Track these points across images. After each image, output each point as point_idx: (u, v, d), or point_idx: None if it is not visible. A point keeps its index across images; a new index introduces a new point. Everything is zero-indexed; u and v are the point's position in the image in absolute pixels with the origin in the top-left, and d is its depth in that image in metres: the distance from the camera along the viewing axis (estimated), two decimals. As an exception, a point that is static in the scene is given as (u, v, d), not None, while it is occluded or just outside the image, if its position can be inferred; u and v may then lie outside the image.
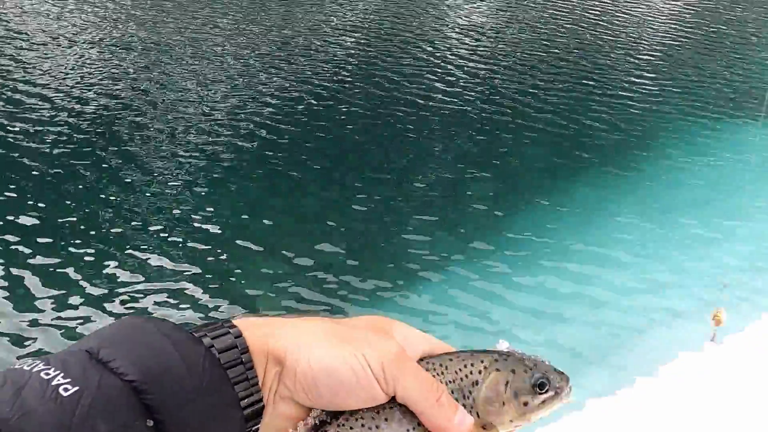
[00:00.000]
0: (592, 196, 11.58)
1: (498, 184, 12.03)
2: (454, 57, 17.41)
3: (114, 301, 8.65)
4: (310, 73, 15.80)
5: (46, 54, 15.79)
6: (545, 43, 18.98)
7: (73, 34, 16.99)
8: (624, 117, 14.67)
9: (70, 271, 9.05)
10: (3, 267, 9.04)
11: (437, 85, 15.67)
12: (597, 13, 21.87)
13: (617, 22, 21.44)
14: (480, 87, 15.96)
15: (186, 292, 8.95)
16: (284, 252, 9.75)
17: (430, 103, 14.79)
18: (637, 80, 16.74)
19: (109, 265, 9.23)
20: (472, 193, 11.72)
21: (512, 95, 15.53)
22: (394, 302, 9.05)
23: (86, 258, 9.35)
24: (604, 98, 15.55)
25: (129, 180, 11.24)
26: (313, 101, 14.50)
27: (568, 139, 13.66)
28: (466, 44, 18.48)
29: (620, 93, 15.92)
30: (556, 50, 18.42)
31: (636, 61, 18.07)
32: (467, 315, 8.88)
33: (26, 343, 7.95)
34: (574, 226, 10.71)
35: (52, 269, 9.09)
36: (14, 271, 8.99)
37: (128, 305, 8.58)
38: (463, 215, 11.11)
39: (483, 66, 16.99)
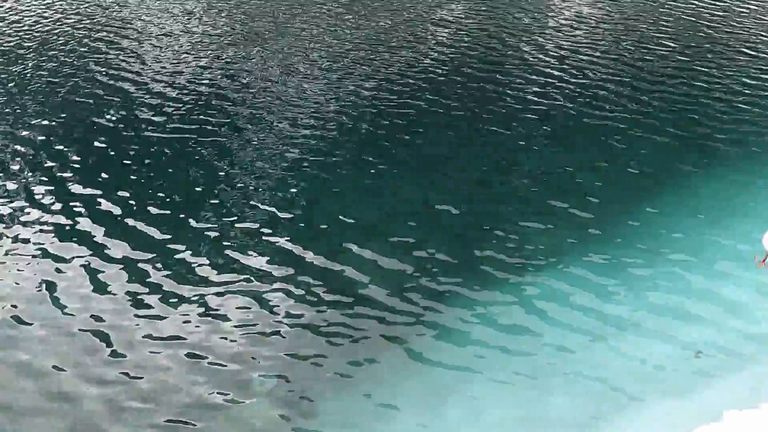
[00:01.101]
0: (706, 204, 11.04)
1: (603, 186, 11.65)
2: (555, 50, 17.09)
3: (223, 292, 9.33)
4: (406, 68, 16.04)
5: (152, 46, 16.95)
6: (654, 36, 18.17)
7: (180, 25, 18.12)
8: (745, 118, 13.88)
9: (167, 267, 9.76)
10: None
11: (536, 81, 15.50)
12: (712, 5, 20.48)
13: (733, 16, 19.91)
14: (581, 83, 15.47)
15: (284, 285, 9.47)
16: (382, 245, 10.13)
17: (529, 100, 14.62)
18: (754, 81, 15.61)
19: (210, 257, 9.97)
20: (575, 193, 11.40)
21: (618, 92, 15.01)
22: (501, 299, 9.18)
23: (184, 250, 10.05)
24: (720, 97, 14.74)
25: (228, 173, 11.99)
26: (409, 99, 14.67)
27: (680, 140, 13.04)
28: (567, 39, 17.95)
29: (739, 91, 15.03)
30: (668, 44, 17.61)
31: (756, 58, 16.95)
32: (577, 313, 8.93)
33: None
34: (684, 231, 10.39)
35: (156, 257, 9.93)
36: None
37: (232, 295, 9.28)
38: (563, 217, 10.86)
39: (585, 60, 16.52)
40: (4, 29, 18.43)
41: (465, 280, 9.54)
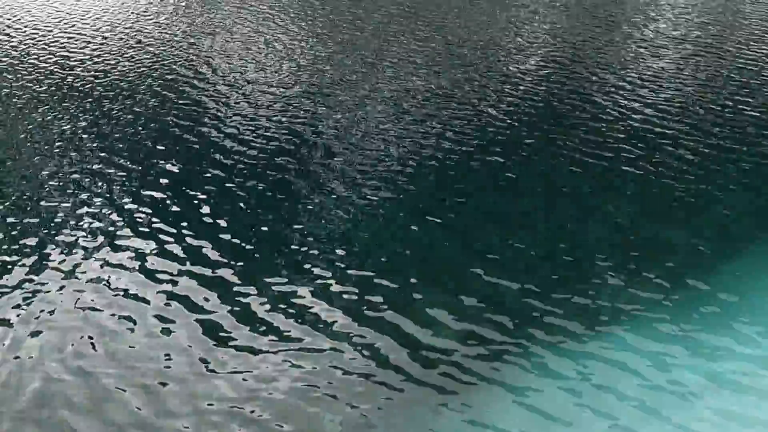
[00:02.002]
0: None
1: (704, 230, 11.19)
2: (648, 75, 16.73)
3: (294, 340, 9.02)
4: (490, 95, 16.01)
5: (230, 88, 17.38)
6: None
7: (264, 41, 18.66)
8: None
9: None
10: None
11: (628, 105, 15.15)
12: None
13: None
14: (681, 111, 15.00)
15: (353, 333, 9.13)
16: (450, 297, 9.77)
17: (620, 128, 14.25)
18: None
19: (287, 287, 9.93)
20: (668, 238, 10.97)
21: (726, 122, 14.43)
22: (569, 359, 8.65)
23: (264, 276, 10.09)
24: None
25: (301, 216, 11.85)
26: (491, 129, 14.72)
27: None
28: (663, 64, 17.50)
29: None
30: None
31: None
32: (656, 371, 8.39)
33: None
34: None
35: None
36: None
37: (308, 331, 9.10)
38: (654, 265, 10.36)
39: (688, 85, 16.01)
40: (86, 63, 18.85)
41: (533, 336, 9.10)
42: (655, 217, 11.75)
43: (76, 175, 13.39)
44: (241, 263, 10.58)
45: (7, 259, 10.80)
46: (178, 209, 12.12)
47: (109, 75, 18.97)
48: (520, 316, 9.45)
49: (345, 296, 9.82)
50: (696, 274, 10.29)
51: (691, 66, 18.66)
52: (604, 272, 10.31)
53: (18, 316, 9.55)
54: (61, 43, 21.90)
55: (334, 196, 12.41)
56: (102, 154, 14.20)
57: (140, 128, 15.50)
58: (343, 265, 10.47)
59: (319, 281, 10.12)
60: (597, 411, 7.92)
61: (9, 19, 25.00)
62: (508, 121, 15.41)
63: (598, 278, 10.20)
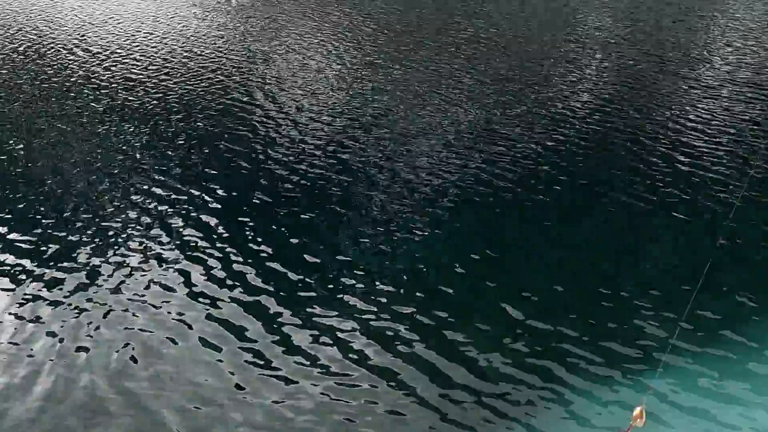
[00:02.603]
0: None
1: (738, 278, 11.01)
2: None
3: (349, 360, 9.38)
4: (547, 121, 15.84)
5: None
6: None
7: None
8: None
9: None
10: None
11: (676, 148, 14.93)
12: None
13: None
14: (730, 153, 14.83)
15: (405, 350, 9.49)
16: (492, 322, 10.00)
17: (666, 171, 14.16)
18: None
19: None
20: (723, 275, 10.90)
21: None
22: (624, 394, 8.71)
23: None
24: None
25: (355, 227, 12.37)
26: (534, 167, 14.80)
27: None
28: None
29: None
30: None
31: None
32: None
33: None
34: None
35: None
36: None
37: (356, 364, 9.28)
38: (705, 301, 10.22)
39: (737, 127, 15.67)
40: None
41: (597, 360, 9.29)
42: (699, 260, 11.58)
43: (129, 194, 13.87)
44: (284, 290, 10.80)
45: (58, 274, 11.27)
46: (225, 232, 12.47)
47: (167, 97, 19.63)
48: (558, 359, 9.46)
49: (384, 330, 9.95)
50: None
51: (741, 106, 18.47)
52: (641, 318, 10.29)
53: (65, 329, 9.97)
54: (123, 64, 22.76)
55: (377, 227, 12.61)
56: (155, 175, 14.71)
57: (193, 150, 16.00)
58: (383, 299, 10.61)
59: (360, 314, 10.27)
60: None
61: (78, 37, 26.07)
62: (553, 159, 15.47)
63: (636, 322, 10.18)
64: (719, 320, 10.16)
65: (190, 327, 10.02)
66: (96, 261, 11.64)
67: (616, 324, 10.08)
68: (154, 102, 19.29)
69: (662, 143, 16.20)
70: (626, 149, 15.89)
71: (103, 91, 20.25)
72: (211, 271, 11.31)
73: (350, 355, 9.45)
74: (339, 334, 9.84)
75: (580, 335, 9.87)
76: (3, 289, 10.93)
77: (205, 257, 11.70)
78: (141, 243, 12.14)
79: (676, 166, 14.98)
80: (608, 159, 15.46)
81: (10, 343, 9.76)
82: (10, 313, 10.37)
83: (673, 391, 8.84)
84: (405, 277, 11.16)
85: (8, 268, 11.50)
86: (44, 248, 12.07)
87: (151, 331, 9.94)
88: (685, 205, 13.47)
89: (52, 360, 9.42)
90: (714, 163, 15.12)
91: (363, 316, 10.20)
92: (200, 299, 10.62)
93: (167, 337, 9.82)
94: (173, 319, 10.19)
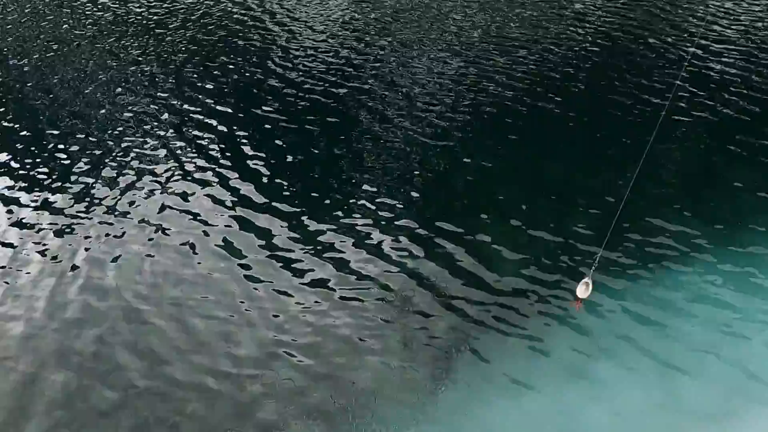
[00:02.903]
0: None
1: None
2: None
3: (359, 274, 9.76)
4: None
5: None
6: None
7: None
8: None
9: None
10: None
11: None
12: None
13: None
14: None
15: (417, 264, 9.86)
16: (512, 228, 10.34)
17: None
18: None
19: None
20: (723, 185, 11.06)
21: None
22: (636, 288, 9.12)
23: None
24: None
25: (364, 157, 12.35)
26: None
27: None
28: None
29: None
30: None
31: None
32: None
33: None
34: None
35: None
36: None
37: (370, 274, 9.70)
38: (708, 206, 10.59)
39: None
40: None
41: (600, 267, 9.47)
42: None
43: (133, 114, 14.11)
44: (288, 208, 11.12)
45: (59, 197, 11.70)
46: (227, 151, 12.74)
47: (170, 9, 19.47)
48: (584, 248, 9.86)
49: (387, 245, 10.31)
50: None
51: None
52: (667, 206, 10.59)
53: (67, 250, 10.43)
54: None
55: (379, 142, 12.79)
56: (157, 93, 14.90)
57: (194, 69, 16.02)
58: (386, 214, 10.92)
59: (363, 229, 10.60)
60: (666, 331, 8.54)
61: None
62: (562, 67, 15.27)
63: (665, 209, 10.50)
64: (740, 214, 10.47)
65: (193, 246, 10.43)
66: (97, 182, 12.04)
67: (642, 217, 10.42)
68: (153, 16, 19.16)
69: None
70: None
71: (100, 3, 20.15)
72: (214, 190, 11.65)
73: (354, 270, 9.85)
74: (342, 249, 10.23)
75: (607, 229, 9.71)
76: (5, 211, 11.43)
77: (207, 177, 12.04)
78: (144, 163, 12.47)
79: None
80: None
81: (12, 264, 10.27)
82: (12, 235, 10.89)
83: (701, 279, 9.36)
84: (407, 190, 11.46)
85: (11, 190, 11.98)
86: (45, 170, 12.51)
87: (154, 250, 10.37)
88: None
89: (54, 280, 9.93)
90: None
91: (366, 231, 10.56)
92: (203, 218, 10.99)
93: (170, 256, 10.26)
94: (177, 238, 10.61)
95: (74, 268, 10.08)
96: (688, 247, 9.90)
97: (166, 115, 14.06)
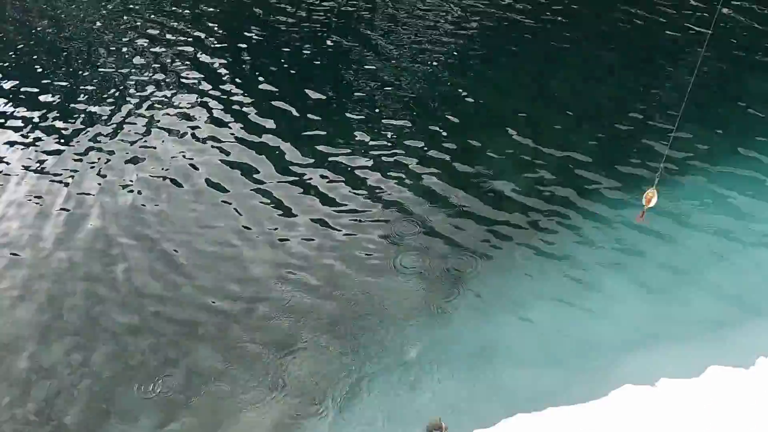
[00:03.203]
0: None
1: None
2: None
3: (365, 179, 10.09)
4: None
5: None
6: None
7: None
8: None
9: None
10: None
11: None
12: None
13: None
14: None
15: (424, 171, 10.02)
16: (519, 139, 10.45)
17: None
18: None
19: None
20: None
21: None
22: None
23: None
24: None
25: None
26: None
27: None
28: None
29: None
30: None
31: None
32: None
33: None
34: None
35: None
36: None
37: (378, 181, 9.98)
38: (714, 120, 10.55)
39: None
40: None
41: (606, 180, 9.76)
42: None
43: (130, 39, 13.90)
44: (289, 129, 11.12)
45: (61, 123, 11.76)
46: (228, 73, 12.66)
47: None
48: (592, 161, 9.97)
49: (394, 163, 10.38)
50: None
51: None
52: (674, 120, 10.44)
53: (70, 174, 10.48)
54: None
55: (380, 60, 12.75)
56: (153, 16, 14.67)
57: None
58: (391, 133, 10.95)
59: (367, 149, 10.67)
60: (670, 245, 8.64)
61: None
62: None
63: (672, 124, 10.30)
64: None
65: (196, 168, 10.49)
66: (99, 108, 12.04)
67: (650, 130, 10.52)
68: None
69: None
70: None
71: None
72: (215, 113, 11.65)
73: (360, 191, 9.95)
74: (347, 171, 10.30)
75: (614, 142, 10.41)
76: (10, 139, 11.50)
77: (209, 99, 12.01)
78: (143, 88, 12.46)
79: None
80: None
81: (18, 189, 10.37)
82: (17, 160, 10.99)
83: (710, 192, 9.46)
84: (410, 108, 11.49)
85: (15, 117, 12.03)
86: (49, 97, 12.51)
87: (157, 174, 10.45)
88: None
89: (60, 205, 10.03)
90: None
91: (371, 152, 10.62)
92: (206, 141, 11.02)
93: (174, 179, 10.31)
94: (180, 161, 10.66)
95: (84, 194, 10.16)
96: (698, 159, 9.99)
97: (152, 45, 13.91)
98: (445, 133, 10.90)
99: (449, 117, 11.26)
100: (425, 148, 10.61)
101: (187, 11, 15.39)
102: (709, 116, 10.72)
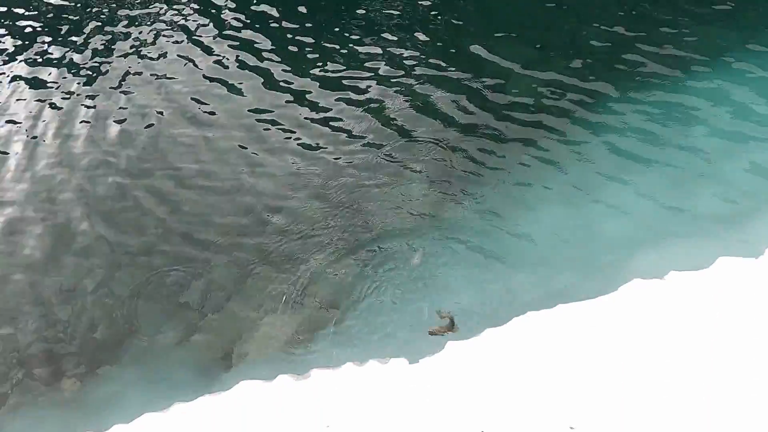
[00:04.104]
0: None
1: None
2: None
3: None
4: None
5: None
6: None
7: None
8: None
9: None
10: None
11: None
12: None
13: None
14: None
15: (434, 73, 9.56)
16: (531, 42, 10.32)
17: None
18: None
19: None
20: None
21: None
22: (653, 98, 9.10)
23: None
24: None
25: None
26: None
27: None
28: None
29: None
30: None
31: None
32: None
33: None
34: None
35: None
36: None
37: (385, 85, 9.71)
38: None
39: None
40: None
41: (617, 78, 9.64)
42: None
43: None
44: (293, 53, 11.00)
45: (67, 49, 11.54)
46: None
47: None
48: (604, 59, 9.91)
49: (397, 84, 10.26)
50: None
51: None
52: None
53: (74, 101, 10.47)
54: None
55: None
56: None
57: None
58: (396, 52, 10.81)
59: (371, 72, 10.51)
60: (683, 139, 8.61)
61: None
62: None
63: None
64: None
65: (200, 101, 10.39)
66: (104, 34, 11.89)
67: (657, 27, 10.36)
68: None
69: None
70: None
71: None
72: (219, 38, 11.49)
73: (367, 101, 9.90)
74: (351, 84, 10.21)
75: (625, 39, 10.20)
76: (15, 67, 11.44)
77: (215, 24, 11.83)
78: (149, 14, 12.28)
79: None
80: None
81: (24, 120, 10.36)
82: (21, 88, 10.93)
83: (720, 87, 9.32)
84: (414, 31, 11.24)
85: (20, 44, 11.93)
86: (54, 23, 12.35)
87: (162, 102, 10.36)
88: None
89: (71, 128, 10.06)
90: None
91: (376, 64, 10.51)
92: (209, 72, 10.87)
93: (177, 107, 10.22)
94: (185, 88, 10.56)
95: (94, 109, 10.20)
96: (705, 54, 9.80)
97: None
98: (446, 37, 10.73)
99: (452, 21, 11.07)
100: (432, 56, 10.48)
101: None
102: (718, 13, 10.45)
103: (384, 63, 10.52)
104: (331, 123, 9.68)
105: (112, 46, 11.61)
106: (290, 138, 9.52)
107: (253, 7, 12.10)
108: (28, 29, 12.38)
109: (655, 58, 9.89)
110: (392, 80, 10.23)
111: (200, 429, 5.75)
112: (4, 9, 12.91)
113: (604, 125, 9.07)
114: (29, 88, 10.98)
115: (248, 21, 11.77)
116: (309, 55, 10.88)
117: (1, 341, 7.67)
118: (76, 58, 11.46)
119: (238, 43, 11.26)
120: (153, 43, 11.52)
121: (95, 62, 11.32)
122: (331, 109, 9.88)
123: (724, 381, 5.13)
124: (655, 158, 8.50)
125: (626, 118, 9.08)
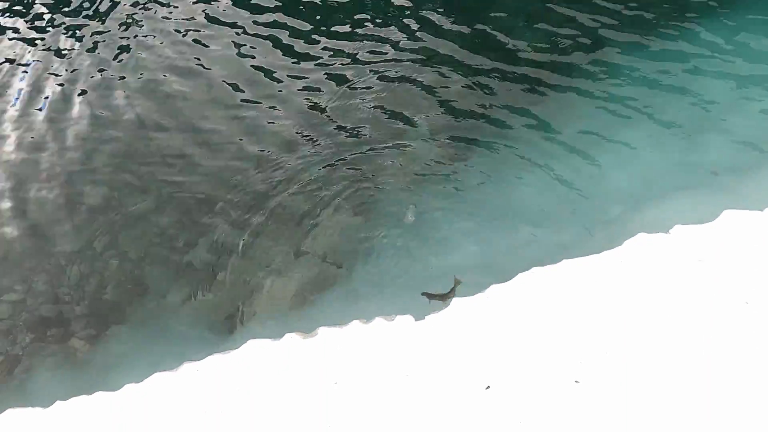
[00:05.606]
0: None
1: None
2: None
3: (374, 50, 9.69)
4: None
5: None
6: None
7: None
8: None
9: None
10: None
11: None
12: None
13: None
14: None
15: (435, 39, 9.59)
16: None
17: None
18: None
19: None
20: None
21: None
22: (656, 48, 8.98)
23: None
24: None
25: None
26: None
27: None
28: None
29: None
30: None
31: None
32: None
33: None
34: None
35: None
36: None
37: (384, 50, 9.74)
38: None
39: None
40: None
41: (620, 27, 9.49)
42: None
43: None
44: (296, 26, 10.89)
45: (69, 19, 11.45)
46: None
47: None
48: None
49: (417, 23, 10.15)
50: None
51: None
52: None
53: (79, 71, 10.40)
54: None
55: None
56: None
57: None
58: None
59: (373, 42, 10.43)
60: (687, 92, 8.51)
61: None
62: None
63: None
64: None
65: (206, 67, 10.33)
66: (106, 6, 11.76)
67: None
68: None
69: None
70: None
71: None
72: (222, 8, 11.30)
73: (366, 63, 9.79)
74: (356, 40, 10.12)
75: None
76: (20, 38, 11.30)
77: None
78: None
79: None
80: None
81: (26, 86, 10.26)
82: (25, 56, 10.84)
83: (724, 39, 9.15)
84: None
85: (23, 13, 11.79)
86: None
87: (165, 71, 10.22)
88: None
89: (81, 85, 10.03)
90: None
91: (376, 21, 10.38)
92: (212, 41, 10.79)
93: (178, 83, 10.02)
94: (188, 60, 10.41)
95: (102, 61, 10.14)
96: (706, 7, 9.64)
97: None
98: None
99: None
100: (438, 10, 10.32)
101: None
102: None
103: (383, 20, 10.38)
104: (333, 79, 9.60)
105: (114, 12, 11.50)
106: (293, 98, 9.45)
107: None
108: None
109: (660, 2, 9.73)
110: (392, 35, 10.11)
111: (210, 387, 5.83)
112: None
113: (607, 78, 8.96)
114: (34, 49, 10.92)
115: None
116: (317, 15, 10.75)
117: (12, 304, 7.77)
118: (81, 23, 11.35)
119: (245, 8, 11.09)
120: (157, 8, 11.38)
121: (99, 26, 11.23)
122: (333, 64, 9.78)
123: (726, 333, 5.16)
124: (659, 111, 8.42)
125: (629, 70, 8.96)
